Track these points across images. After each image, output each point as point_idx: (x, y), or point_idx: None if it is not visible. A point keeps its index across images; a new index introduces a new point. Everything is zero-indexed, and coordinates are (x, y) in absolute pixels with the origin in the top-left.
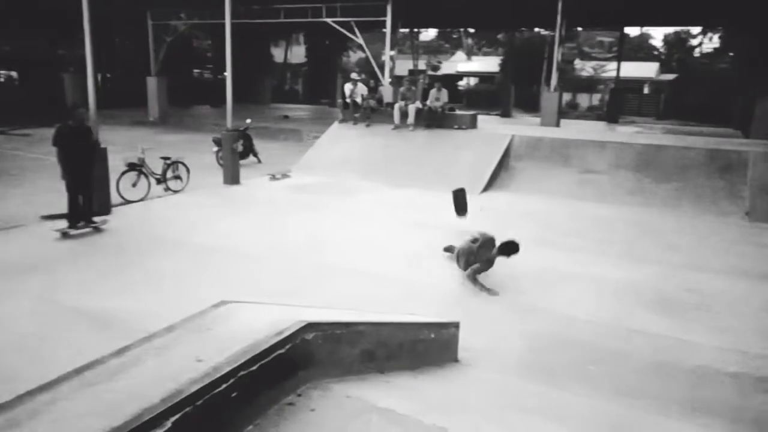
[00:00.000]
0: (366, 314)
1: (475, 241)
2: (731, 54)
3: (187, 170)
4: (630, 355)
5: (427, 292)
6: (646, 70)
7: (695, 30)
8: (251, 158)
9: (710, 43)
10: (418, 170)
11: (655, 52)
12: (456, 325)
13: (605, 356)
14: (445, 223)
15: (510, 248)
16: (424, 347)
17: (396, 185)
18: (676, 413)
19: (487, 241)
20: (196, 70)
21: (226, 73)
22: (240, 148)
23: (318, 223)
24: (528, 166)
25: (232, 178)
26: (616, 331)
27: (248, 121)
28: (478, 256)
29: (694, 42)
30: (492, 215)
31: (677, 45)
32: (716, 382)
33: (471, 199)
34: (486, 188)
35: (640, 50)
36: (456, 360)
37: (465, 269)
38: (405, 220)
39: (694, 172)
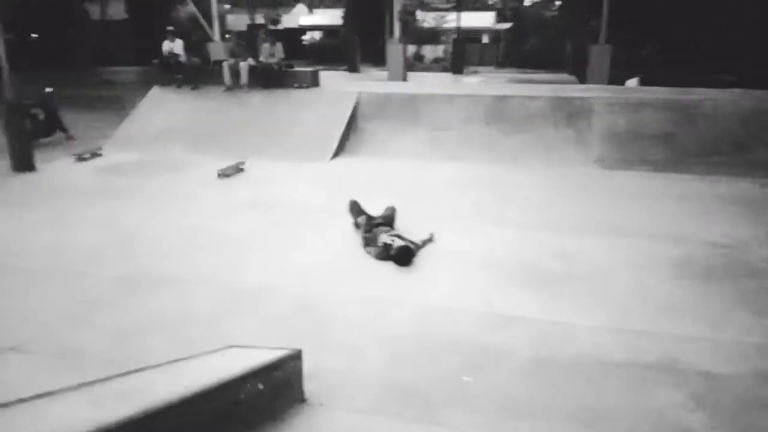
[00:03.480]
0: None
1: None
2: (558, 2)
3: None
4: (508, 353)
5: (261, 297)
6: (484, 19)
7: None
8: (59, 134)
9: None
10: (255, 138)
11: (491, 2)
12: (297, 356)
13: (481, 358)
14: (288, 200)
15: (400, 259)
16: (249, 405)
17: (230, 157)
18: None
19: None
20: None
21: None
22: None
23: (129, 214)
24: (378, 128)
25: (22, 162)
26: (488, 319)
27: (49, 89)
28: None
29: None
30: (345, 184)
31: None
32: (603, 378)
33: (320, 168)
34: (336, 155)
35: (477, 0)
36: (303, 400)
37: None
38: (239, 201)
39: (541, 122)
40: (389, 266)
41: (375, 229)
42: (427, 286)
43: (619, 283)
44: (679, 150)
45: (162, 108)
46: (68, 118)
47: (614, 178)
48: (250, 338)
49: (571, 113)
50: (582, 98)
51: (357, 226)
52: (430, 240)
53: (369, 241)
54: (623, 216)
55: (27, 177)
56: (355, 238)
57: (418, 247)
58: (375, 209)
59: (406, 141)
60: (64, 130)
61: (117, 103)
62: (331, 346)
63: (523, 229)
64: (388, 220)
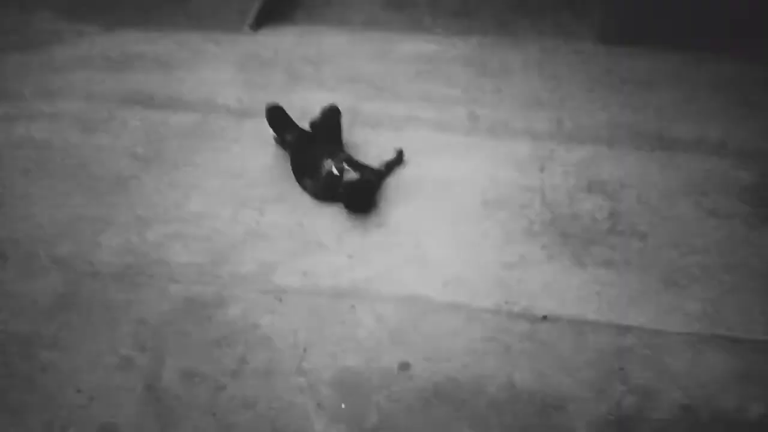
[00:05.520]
0: None
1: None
2: None
3: None
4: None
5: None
6: None
7: None
8: None
9: None
10: None
11: None
12: None
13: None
14: (185, 95)
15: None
16: None
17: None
18: None
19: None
20: None
21: None
22: None
23: None
24: None
25: None
26: (521, 327)
27: None
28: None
29: None
30: (269, 70)
31: None
32: None
33: (236, 43)
34: (259, 21)
35: None
36: None
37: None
38: (117, 94)
39: None
40: (336, 213)
41: (312, 150)
42: (403, 255)
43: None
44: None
45: None
46: None
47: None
48: None
49: None
50: None
51: (283, 144)
52: (398, 161)
53: (304, 170)
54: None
55: None
56: (282, 160)
57: (381, 175)
58: (312, 112)
59: (354, 4)
60: None
61: None
62: None
63: (533, 139)
64: (332, 132)
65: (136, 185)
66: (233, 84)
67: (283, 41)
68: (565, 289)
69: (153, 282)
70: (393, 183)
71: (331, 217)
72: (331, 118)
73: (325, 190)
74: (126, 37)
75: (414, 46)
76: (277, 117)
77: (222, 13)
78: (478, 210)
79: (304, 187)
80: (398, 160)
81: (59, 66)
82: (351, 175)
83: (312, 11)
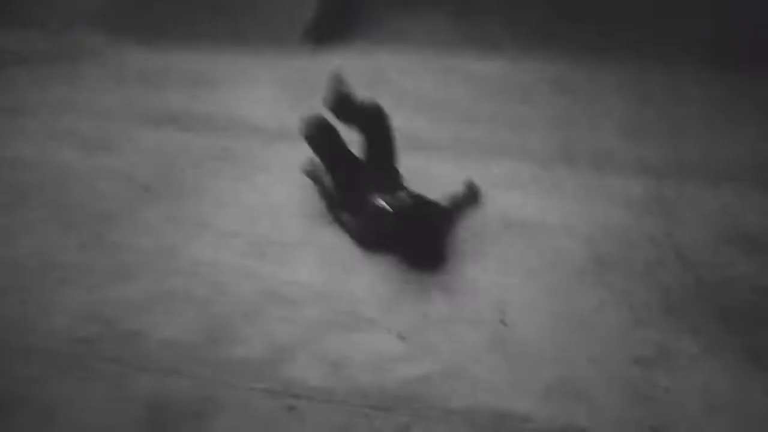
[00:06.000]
0: None
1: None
2: None
3: None
4: None
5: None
6: None
7: None
8: None
9: None
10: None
11: None
12: None
13: None
14: (229, 115)
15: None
16: None
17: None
18: None
19: None
20: None
21: None
22: None
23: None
24: None
25: None
26: None
27: None
28: None
29: None
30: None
31: None
32: None
33: (284, 61)
34: (311, 38)
35: None
36: None
37: None
38: (152, 112)
39: None
40: (384, 269)
41: (358, 178)
42: (482, 339)
43: None
44: None
45: None
46: None
47: None
48: None
49: None
50: None
51: (316, 178)
52: (471, 198)
53: (345, 203)
54: None
55: None
56: (314, 195)
57: (449, 215)
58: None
59: (419, 20)
60: None
61: None
62: None
63: (647, 173)
64: (382, 148)
65: (128, 221)
66: (273, 105)
67: (335, 60)
68: (742, 407)
69: (112, 371)
70: (465, 227)
71: (377, 275)
72: (375, 122)
73: (371, 228)
74: (164, 52)
75: (483, 65)
76: (323, 134)
77: (272, 30)
78: (586, 269)
79: (342, 225)
80: (471, 196)
81: (83, 80)
82: (402, 199)
83: (369, 28)
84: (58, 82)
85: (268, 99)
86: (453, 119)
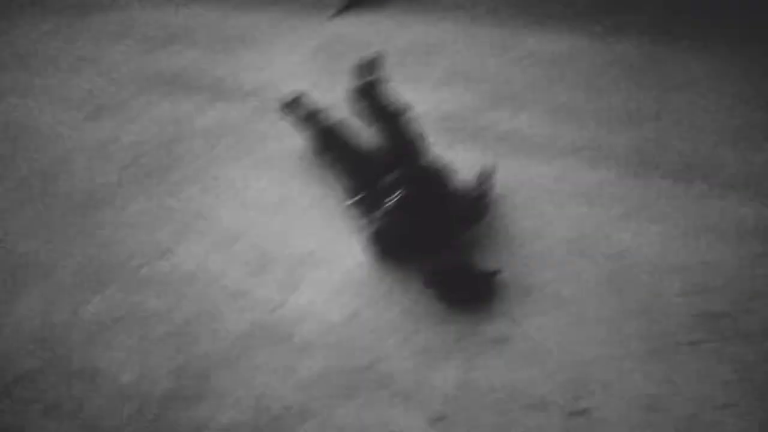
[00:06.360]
0: None
1: None
2: None
3: None
4: None
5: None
6: None
7: None
8: None
9: None
10: None
11: None
12: None
13: None
14: (252, 84)
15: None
16: None
17: None
18: None
19: None
20: None
21: None
22: None
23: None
24: None
25: None
26: None
27: None
28: None
29: None
30: (351, 60)
31: None
32: None
33: (316, 31)
34: (349, 3)
35: None
36: None
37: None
38: (169, 75)
39: None
40: (414, 299)
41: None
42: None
43: None
44: None
45: None
46: None
47: None
48: None
49: None
50: None
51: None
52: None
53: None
54: None
55: None
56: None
57: (476, 205)
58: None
59: None
60: None
61: None
62: None
63: (758, 194)
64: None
65: (111, 210)
66: (302, 73)
67: (374, 28)
68: None
69: None
70: (515, 253)
71: (407, 314)
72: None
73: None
74: (189, 7)
75: (544, 43)
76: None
77: None
78: (686, 324)
79: (333, 168)
80: (485, 182)
81: (94, 35)
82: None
83: None
84: (64, 35)
85: (294, 65)
86: (504, 103)
